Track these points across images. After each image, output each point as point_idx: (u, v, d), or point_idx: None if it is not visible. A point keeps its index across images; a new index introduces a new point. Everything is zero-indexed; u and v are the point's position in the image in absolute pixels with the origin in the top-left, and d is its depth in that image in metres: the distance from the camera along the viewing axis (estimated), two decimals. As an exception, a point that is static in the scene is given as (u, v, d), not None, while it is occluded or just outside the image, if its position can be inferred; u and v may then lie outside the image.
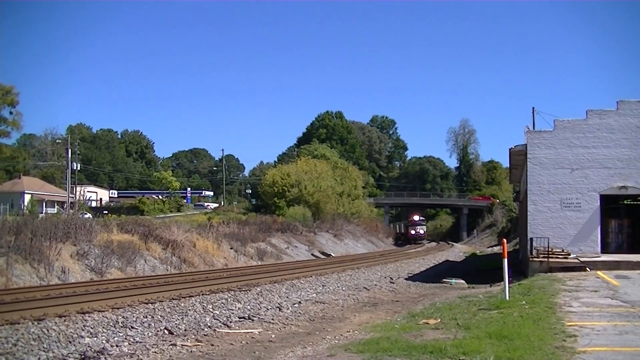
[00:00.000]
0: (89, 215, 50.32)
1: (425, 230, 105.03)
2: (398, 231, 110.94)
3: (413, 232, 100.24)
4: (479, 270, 39.64)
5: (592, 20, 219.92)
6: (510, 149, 34.37)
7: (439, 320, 15.49)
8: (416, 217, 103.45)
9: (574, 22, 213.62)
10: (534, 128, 35.88)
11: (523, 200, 38.00)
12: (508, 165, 44.70)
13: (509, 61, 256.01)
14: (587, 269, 26.28)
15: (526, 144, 31.39)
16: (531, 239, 29.83)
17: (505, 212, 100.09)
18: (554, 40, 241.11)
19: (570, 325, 13.20)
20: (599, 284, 21.66)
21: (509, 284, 18.97)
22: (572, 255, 28.66)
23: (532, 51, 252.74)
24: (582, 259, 27.67)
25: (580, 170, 30.42)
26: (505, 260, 18.63)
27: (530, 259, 28.59)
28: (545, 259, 27.69)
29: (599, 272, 25.31)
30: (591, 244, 30.05)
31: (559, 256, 28.18)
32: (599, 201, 30.36)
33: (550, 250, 28.28)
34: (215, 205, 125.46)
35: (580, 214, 30.36)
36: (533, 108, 40.64)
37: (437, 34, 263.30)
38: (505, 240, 20.46)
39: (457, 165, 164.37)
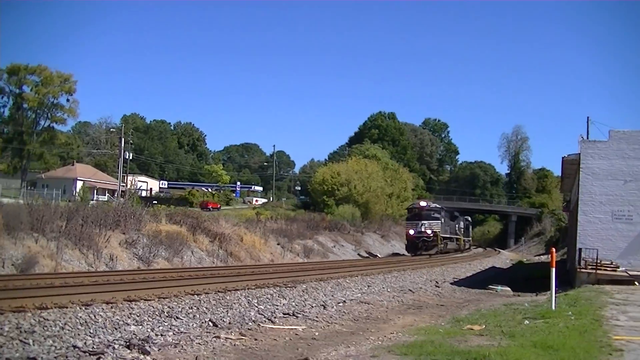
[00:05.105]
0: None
1: (437, 230, 58.35)
2: None
3: (412, 231, 58.65)
4: (526, 279, 39.20)
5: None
6: (563, 158, 33.94)
7: (484, 326, 15.36)
8: (423, 204, 62.40)
9: (633, 33, 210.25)
10: (587, 138, 35.31)
11: (573, 210, 37.45)
12: (560, 174, 44.16)
13: (565, 69, 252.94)
14: (636, 282, 25.81)
15: (579, 154, 30.91)
16: (580, 249, 29.37)
17: (554, 222, 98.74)
18: (611, 50, 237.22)
19: (617, 339, 12.96)
20: (648, 299, 21.29)
21: (555, 294, 18.77)
22: (621, 268, 28.14)
23: (590, 59, 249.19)
24: (631, 273, 27.13)
25: (634, 182, 29.84)
26: (553, 270, 18.40)
27: (578, 269, 28.13)
28: (593, 271, 27.19)
29: (647, 287, 24.90)
30: (641, 258, 29.53)
31: (608, 268, 27.69)
32: (651, 214, 29.83)
33: (599, 262, 27.83)
34: (264, 200, 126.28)
35: (631, 227, 29.79)
36: (588, 117, 39.93)
37: (493, 40, 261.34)
38: (554, 250, 20.15)
39: (508, 171, 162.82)
